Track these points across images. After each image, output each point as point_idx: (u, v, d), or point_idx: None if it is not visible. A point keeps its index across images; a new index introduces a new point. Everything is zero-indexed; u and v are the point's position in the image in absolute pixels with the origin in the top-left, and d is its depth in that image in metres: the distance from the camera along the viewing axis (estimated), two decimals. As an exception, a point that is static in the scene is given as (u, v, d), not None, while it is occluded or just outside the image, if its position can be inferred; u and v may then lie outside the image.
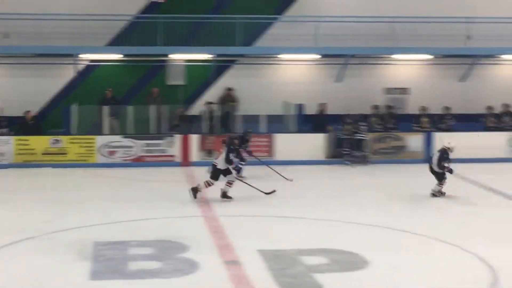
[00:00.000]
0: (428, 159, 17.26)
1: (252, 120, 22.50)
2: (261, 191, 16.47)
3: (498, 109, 23.67)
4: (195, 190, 16.16)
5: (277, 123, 22.57)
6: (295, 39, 23.14)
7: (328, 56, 23.57)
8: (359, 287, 10.05)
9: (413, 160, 21.80)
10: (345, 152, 21.69)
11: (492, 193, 17.35)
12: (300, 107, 23.01)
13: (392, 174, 20.30)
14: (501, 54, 23.98)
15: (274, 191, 16.65)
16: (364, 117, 22.71)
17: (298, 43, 23.08)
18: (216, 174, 16.20)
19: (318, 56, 23.64)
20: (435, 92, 24.11)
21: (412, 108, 23.85)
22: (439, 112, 23.35)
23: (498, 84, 24.50)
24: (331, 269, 10.75)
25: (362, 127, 21.88)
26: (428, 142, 22.18)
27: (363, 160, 21.60)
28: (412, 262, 11.20)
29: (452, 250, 11.97)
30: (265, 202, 15.96)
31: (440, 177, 16.48)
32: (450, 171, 16.31)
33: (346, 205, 15.84)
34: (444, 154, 16.46)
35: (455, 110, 23.49)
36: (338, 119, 22.53)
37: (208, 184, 16.17)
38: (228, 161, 16.07)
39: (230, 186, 16.19)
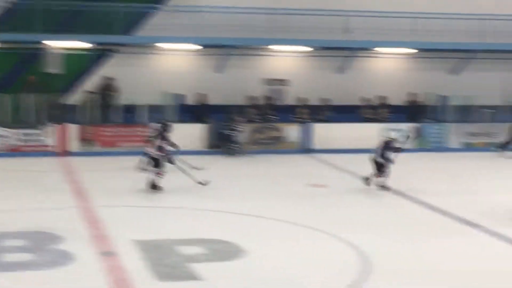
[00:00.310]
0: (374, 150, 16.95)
1: (132, 110, 22.29)
2: (198, 182, 16.35)
3: (374, 101, 24.26)
4: (154, 187, 15.87)
5: (157, 113, 22.42)
6: (176, 29, 23.02)
7: (209, 46, 23.58)
8: (236, 276, 10.12)
9: (291, 150, 22.13)
10: (223, 143, 21.78)
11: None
12: (180, 97, 22.96)
13: (270, 165, 20.54)
14: (378, 47, 24.59)
15: (207, 181, 16.47)
16: (242, 108, 22.83)
17: (179, 33, 22.98)
18: (157, 162, 15.94)
19: (199, 47, 23.62)
20: (314, 83, 24.51)
21: (291, 99, 24.17)
22: (318, 103, 23.75)
23: (375, 76, 25.14)
24: (208, 259, 10.78)
25: (237, 118, 21.93)
26: (306, 133, 22.55)
27: (240, 151, 21.69)
28: (288, 251, 11.36)
29: (326, 239, 12.22)
30: (142, 193, 15.85)
31: (380, 168, 16.54)
32: (391, 161, 16.44)
33: (224, 195, 15.90)
34: (389, 145, 16.61)
35: (333, 101, 23.96)
36: (219, 109, 22.58)
37: (160, 174, 15.89)
38: (159, 148, 15.89)
39: (160, 177, 15.95)
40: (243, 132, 22.04)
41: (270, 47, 23.97)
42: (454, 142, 23.52)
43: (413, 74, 25.24)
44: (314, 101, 23.70)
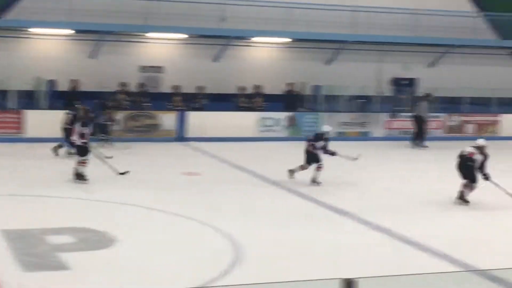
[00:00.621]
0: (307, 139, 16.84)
1: (2, 95, 21.59)
2: (117, 171, 15.89)
3: (250, 90, 24.40)
4: (80, 177, 15.31)
5: (28, 99, 21.79)
6: (48, 13, 22.40)
7: (82, 31, 23.07)
8: (105, 265, 9.96)
9: (166, 138, 21.97)
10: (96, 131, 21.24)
11: (240, 171, 17.88)
12: (52, 83, 22.38)
13: (145, 153, 20.28)
14: (253, 37, 24.72)
15: (128, 171, 15.99)
16: (114, 95, 22.42)
17: (51, 17, 22.38)
18: (81, 150, 15.37)
19: (72, 31, 23.07)
20: (190, 71, 24.41)
21: (166, 86, 23.98)
22: (193, 91, 23.67)
23: (250, 65, 25.27)
24: (77, 248, 10.58)
25: (107, 105, 21.35)
26: (181, 121, 22.44)
27: (113, 139, 21.15)
28: (159, 240, 11.27)
29: (199, 227, 12.21)
30: (16, 182, 15.39)
31: (310, 159, 16.33)
32: (333, 153, 16.39)
33: (97, 183, 15.58)
34: (323, 136, 16.54)
35: (209, 89, 23.94)
36: (91, 96, 22.09)
37: (83, 163, 15.33)
38: (80, 135, 15.35)
39: (84, 166, 15.39)
40: (117, 119, 21.64)
41: (145, 34, 23.69)
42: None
43: (289, 64, 25.54)
44: (189, 89, 23.60)
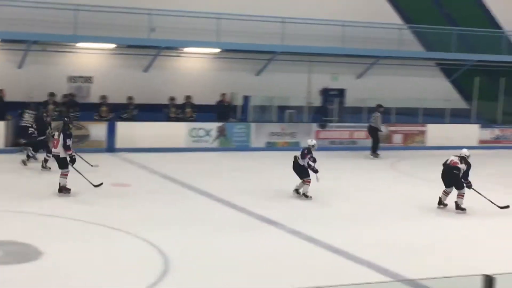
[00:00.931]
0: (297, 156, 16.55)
1: None
2: (91, 183, 15.75)
3: (180, 100, 24.37)
4: (64, 190, 15.30)
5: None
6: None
7: (9, 41, 22.73)
8: (32, 278, 9.84)
9: (96, 149, 21.74)
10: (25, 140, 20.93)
11: (170, 181, 17.84)
12: (-23, 93, 22.02)
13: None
14: (183, 47, 24.72)
15: (101, 183, 15.89)
16: (44, 105, 22.06)
17: (-24, 26, 22.00)
18: (63, 163, 15.32)
19: (-2, 41, 22.74)
20: (119, 81, 24.24)
21: (95, 97, 23.76)
22: (123, 101, 23.51)
23: (181, 75, 25.23)
24: (3, 262, 10.41)
25: (27, 114, 21.00)
26: (111, 132, 22.26)
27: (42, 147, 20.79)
28: (86, 252, 11.19)
29: (126, 238, 12.16)
30: None
31: (305, 174, 16.18)
32: (315, 171, 16.06)
33: (23, 194, 15.36)
34: (309, 152, 16.34)
35: (139, 100, 23.81)
36: (19, 106, 21.74)
37: (66, 175, 15.36)
38: (66, 147, 15.26)
39: (65, 178, 15.34)
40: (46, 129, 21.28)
41: (75, 44, 23.45)
42: (257, 142, 24.05)
43: (219, 74, 25.59)
44: (120, 99, 23.44)
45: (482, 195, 15.67)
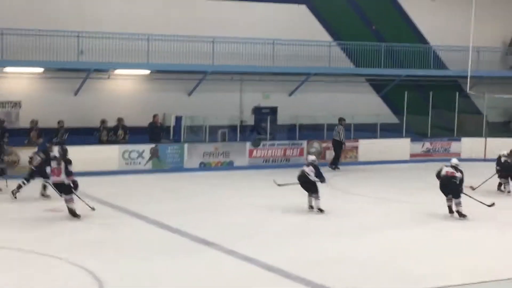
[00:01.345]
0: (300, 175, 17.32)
1: None
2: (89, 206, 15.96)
3: (112, 123, 24.10)
4: (75, 215, 15.88)
5: None
6: None
7: None
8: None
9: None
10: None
11: (102, 205, 17.59)
12: None
13: (7, 189, 19.54)
14: (113, 69, 24.49)
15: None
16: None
17: None
18: (68, 189, 15.88)
19: None
20: (49, 105, 23.84)
21: (25, 122, 23.33)
22: (53, 125, 23.14)
23: (111, 98, 24.96)
24: None
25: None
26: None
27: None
28: (20, 279, 10.94)
29: (62, 265, 11.94)
30: None
31: (314, 189, 17.08)
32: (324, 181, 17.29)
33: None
34: (315, 166, 17.27)
35: (70, 123, 23.48)
36: None
37: (72, 200, 15.94)
38: (68, 173, 15.94)
39: (73, 202, 15.87)
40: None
41: (2, 68, 23.03)
42: (191, 162, 23.92)
43: (151, 95, 25.42)
44: (50, 124, 23.06)
45: (472, 197, 17.25)
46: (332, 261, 12.76)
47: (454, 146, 27.66)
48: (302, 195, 17.47)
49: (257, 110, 26.87)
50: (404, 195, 19.88)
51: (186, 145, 24.02)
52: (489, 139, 27.05)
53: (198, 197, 19.16)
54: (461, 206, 16.76)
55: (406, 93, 27.99)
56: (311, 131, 26.45)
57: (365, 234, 15.11)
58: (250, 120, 26.65)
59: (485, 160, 26.14)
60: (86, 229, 14.95)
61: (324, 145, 25.80)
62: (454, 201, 16.80)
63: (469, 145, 27.36)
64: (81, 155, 21.90)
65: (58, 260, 12.21)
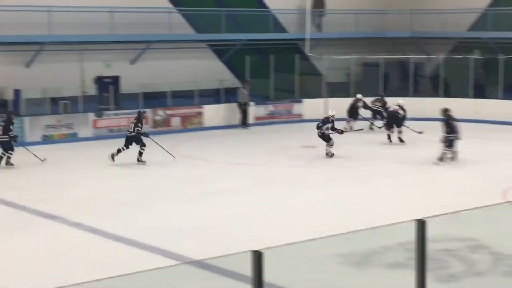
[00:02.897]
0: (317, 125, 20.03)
1: None
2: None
3: None
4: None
5: None
6: None
7: None
8: None
9: None
10: None
11: None
12: None
13: None
14: None
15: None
16: None
17: None
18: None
19: None
20: None
21: None
22: None
23: None
24: None
25: None
26: None
27: None
28: None
29: None
30: None
31: (327, 139, 19.95)
32: (341, 132, 20.27)
33: None
34: (329, 119, 20.10)
35: None
36: None
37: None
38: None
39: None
40: None
41: None
42: (32, 136, 23.24)
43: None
44: None
45: (408, 128, 22.00)
46: (178, 229, 12.83)
47: (296, 107, 28.32)
48: (149, 161, 17.41)
49: (99, 80, 26.40)
50: (251, 158, 20.19)
51: (26, 119, 23.30)
52: (329, 99, 27.83)
53: (41, 171, 18.71)
54: (401, 134, 21.93)
55: (248, 57, 28.31)
56: (156, 99, 26.33)
57: (210, 199, 15.26)
58: (92, 90, 26.16)
59: (326, 120, 26.88)
60: None
61: (169, 112, 25.73)
62: (396, 130, 21.91)
63: (310, 106, 28.07)
64: None
65: None
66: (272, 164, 19.18)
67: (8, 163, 18.92)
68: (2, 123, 19.40)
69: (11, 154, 19.02)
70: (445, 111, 19.25)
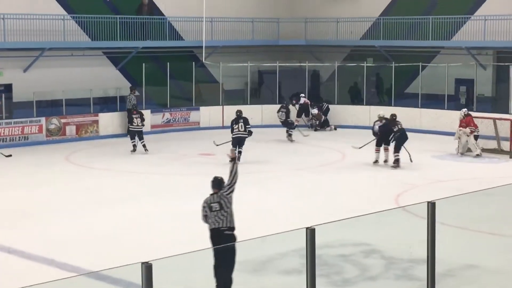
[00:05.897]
0: None
1: None
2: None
3: None
4: None
5: None
6: None
7: None
8: None
9: None
10: None
11: None
12: None
13: None
14: None
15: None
16: None
17: None
18: None
19: None
20: None
21: None
22: None
23: None
24: None
25: None
26: None
27: None
28: None
29: None
30: None
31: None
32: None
33: None
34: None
35: None
36: None
37: None
38: None
39: None
40: None
41: None
42: None
43: None
44: None
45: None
46: (74, 238, 12.66)
47: (193, 115, 28.29)
48: (35, 172, 17.07)
49: (-12, 88, 25.67)
50: (147, 167, 20.07)
51: None
52: (226, 107, 27.96)
53: None
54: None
55: (144, 65, 28.13)
56: (50, 107, 25.85)
57: (106, 209, 15.10)
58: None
59: (223, 127, 26.91)
60: None
61: (63, 120, 25.27)
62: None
63: (207, 113, 28.13)
64: None
65: None
66: (168, 172, 19.13)
67: None
68: None
69: None
70: (392, 116, 20.39)
